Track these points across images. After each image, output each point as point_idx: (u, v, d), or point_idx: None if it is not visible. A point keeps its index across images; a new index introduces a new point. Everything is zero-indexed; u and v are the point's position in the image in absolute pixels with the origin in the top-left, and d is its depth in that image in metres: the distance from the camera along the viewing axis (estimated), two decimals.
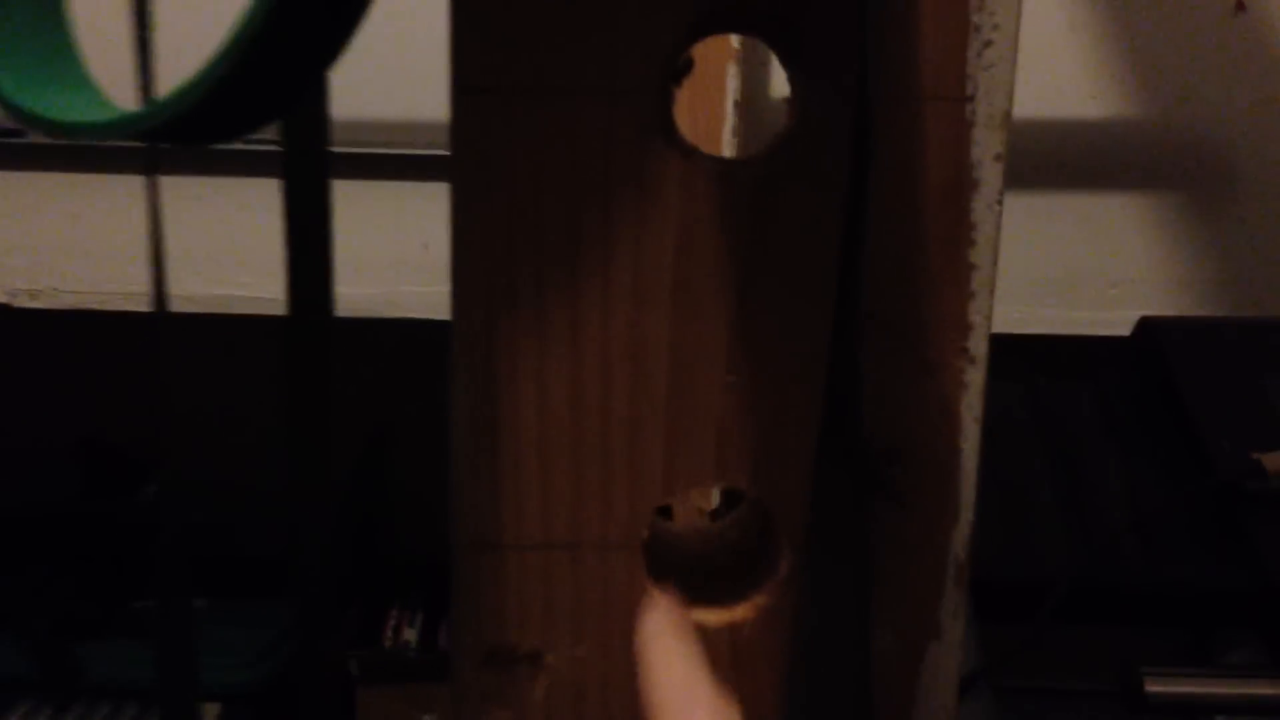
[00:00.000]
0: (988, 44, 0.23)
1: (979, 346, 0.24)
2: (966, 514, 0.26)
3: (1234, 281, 0.95)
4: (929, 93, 0.23)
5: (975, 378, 0.25)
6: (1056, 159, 0.94)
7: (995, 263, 0.24)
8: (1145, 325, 0.87)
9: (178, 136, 0.21)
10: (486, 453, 0.25)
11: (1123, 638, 0.80)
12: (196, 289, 0.97)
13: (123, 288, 0.98)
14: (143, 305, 0.99)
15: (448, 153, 0.84)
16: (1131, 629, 0.78)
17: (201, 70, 0.20)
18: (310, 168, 0.27)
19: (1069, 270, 0.96)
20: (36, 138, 0.95)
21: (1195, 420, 0.79)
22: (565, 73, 0.24)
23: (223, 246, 0.93)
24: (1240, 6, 0.89)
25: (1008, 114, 0.23)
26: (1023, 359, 0.89)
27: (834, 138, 0.24)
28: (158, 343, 0.32)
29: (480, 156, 0.24)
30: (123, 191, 0.96)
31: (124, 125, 0.20)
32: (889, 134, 0.23)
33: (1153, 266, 0.96)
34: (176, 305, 1.00)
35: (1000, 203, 0.24)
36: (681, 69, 0.24)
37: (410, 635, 1.25)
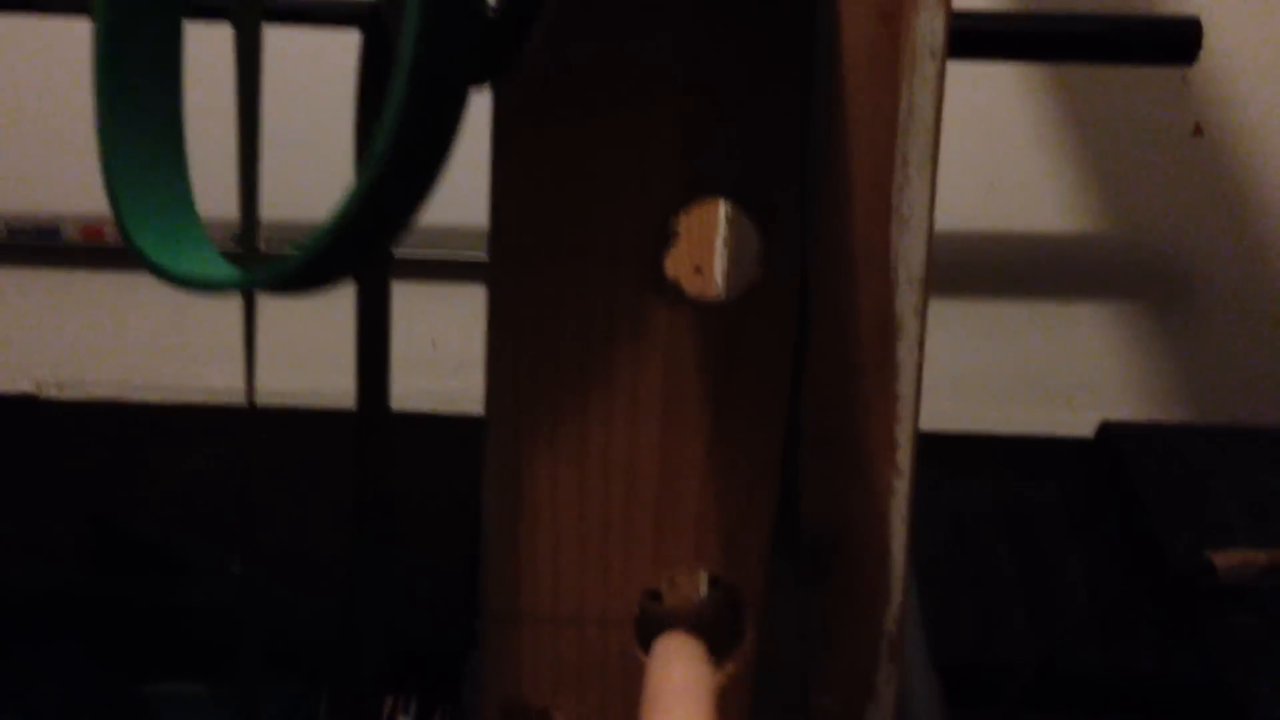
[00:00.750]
0: (905, 222, 0.29)
1: (904, 460, 0.30)
2: (897, 597, 0.32)
3: (1190, 386, 1.00)
4: (860, 259, 0.30)
5: (901, 486, 0.31)
6: (1025, 269, 1.00)
7: (918, 394, 0.30)
8: (1105, 429, 0.93)
9: (284, 291, 0.27)
10: (510, 541, 0.31)
11: None
12: (220, 382, 1.01)
13: (146, 380, 1.03)
14: (165, 397, 1.03)
15: (453, 256, 0.90)
16: (1093, 717, 0.81)
17: (305, 245, 0.26)
18: (378, 273, 0.33)
19: (1037, 374, 1.01)
20: (67, 239, 1.01)
21: (1151, 519, 0.84)
22: (578, 240, 0.30)
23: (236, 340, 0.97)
24: (1198, 130, 0.96)
25: (924, 278, 0.30)
26: (992, 457, 0.93)
27: (789, 288, 0.30)
28: (248, 436, 0.37)
29: (512, 302, 0.30)
30: (146, 289, 1.01)
31: (242, 283, 0.27)
32: (830, 290, 0.30)
33: (1115, 372, 1.01)
34: (200, 398, 1.05)
35: (921, 346, 0.30)
36: (670, 235, 0.31)
37: None
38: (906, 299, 0.29)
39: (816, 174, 0.29)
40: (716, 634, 0.33)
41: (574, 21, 0.28)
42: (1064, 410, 1.00)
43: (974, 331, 1.01)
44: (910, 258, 0.29)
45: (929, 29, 0.29)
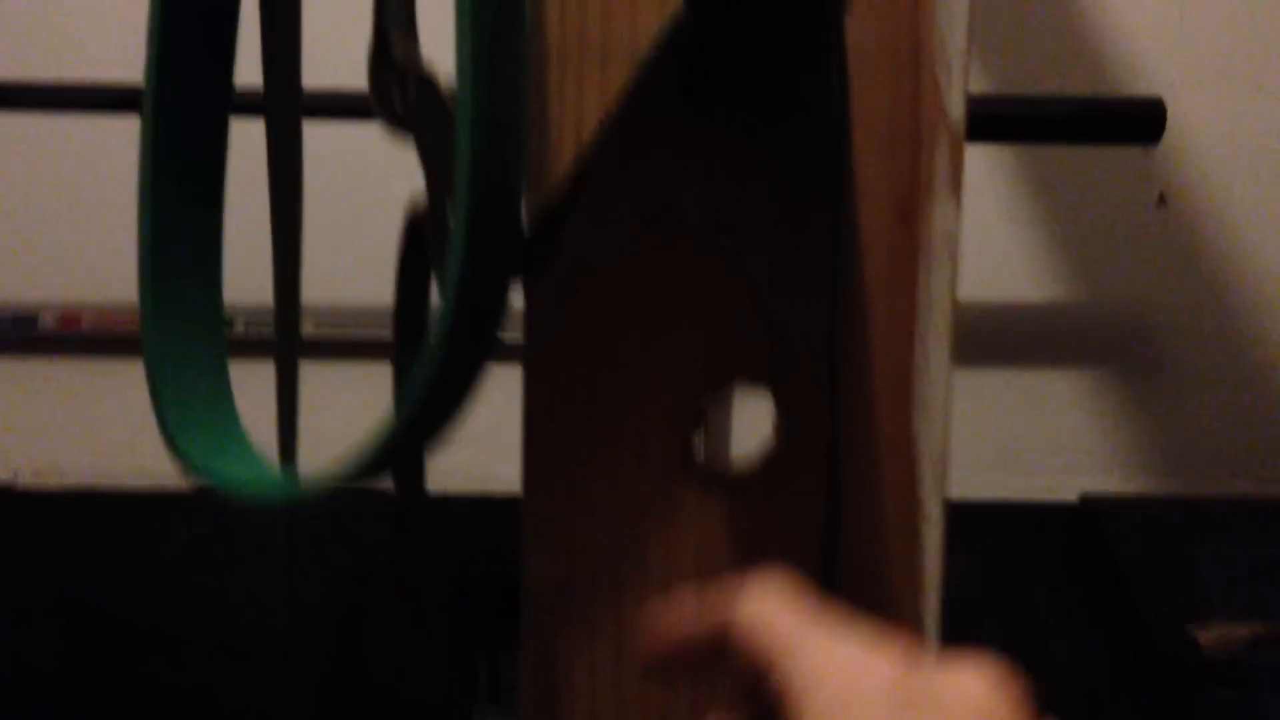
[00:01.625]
0: (926, 407, 0.30)
1: (930, 636, 0.31)
2: None
3: (1164, 449, 1.02)
4: (883, 444, 0.31)
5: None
6: (998, 338, 1.02)
7: (940, 570, 0.31)
8: (1086, 502, 0.94)
9: (326, 498, 0.27)
10: None
11: None
12: None
13: (121, 466, 1.03)
14: (140, 484, 1.02)
15: None
16: None
17: (350, 461, 0.27)
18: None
19: (1015, 441, 1.02)
20: (43, 329, 1.01)
21: (1134, 594, 0.85)
22: (609, 431, 0.31)
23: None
24: (1162, 201, 0.98)
25: (944, 453, 0.31)
26: (976, 526, 0.94)
27: (813, 468, 0.31)
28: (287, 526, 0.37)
29: (546, 497, 0.31)
30: (122, 376, 1.01)
31: (287, 497, 0.27)
32: (854, 475, 0.31)
33: (1091, 437, 1.02)
34: (176, 484, 1.04)
35: (943, 524, 0.31)
36: (699, 419, 0.32)
37: None
38: (929, 482, 0.30)
39: (840, 363, 0.30)
40: None
41: (600, 230, 0.29)
42: (1044, 475, 1.01)
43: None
44: (931, 441, 0.30)
45: (943, 220, 0.30)
